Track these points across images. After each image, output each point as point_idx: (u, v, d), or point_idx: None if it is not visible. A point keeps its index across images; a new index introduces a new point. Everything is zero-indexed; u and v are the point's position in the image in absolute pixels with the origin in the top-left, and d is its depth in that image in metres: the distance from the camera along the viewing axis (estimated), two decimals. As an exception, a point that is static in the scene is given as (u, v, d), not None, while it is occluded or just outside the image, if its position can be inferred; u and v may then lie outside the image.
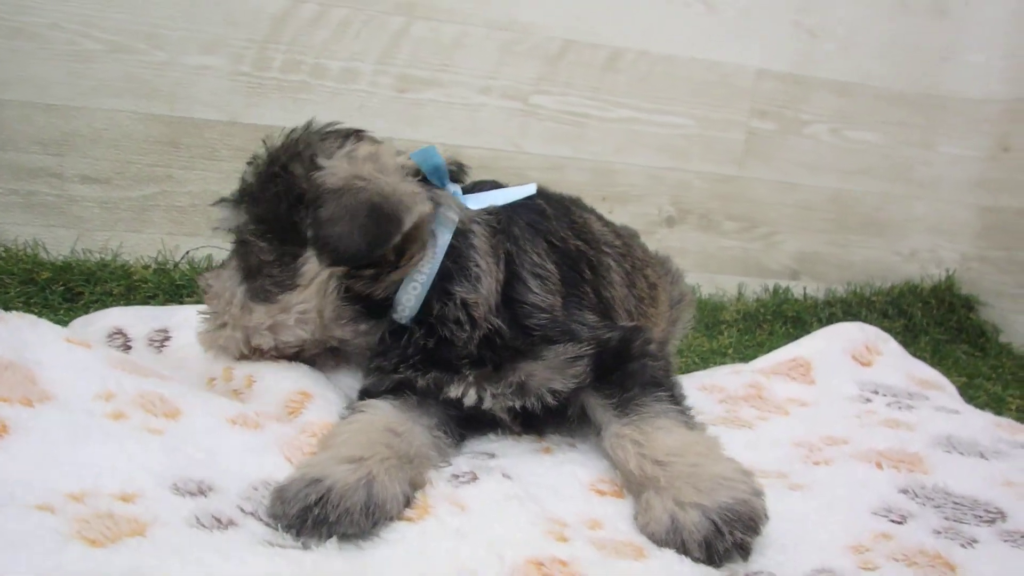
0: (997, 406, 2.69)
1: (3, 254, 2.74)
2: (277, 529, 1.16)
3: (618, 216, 3.40)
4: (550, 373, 1.56)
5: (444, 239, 1.55)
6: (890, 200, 3.75)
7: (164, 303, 2.64)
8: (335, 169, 1.49)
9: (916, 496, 1.48)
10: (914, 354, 3.17)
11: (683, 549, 1.20)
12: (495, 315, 1.56)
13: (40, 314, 1.90)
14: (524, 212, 1.69)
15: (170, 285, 2.80)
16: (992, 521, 1.39)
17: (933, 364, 3.15)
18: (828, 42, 3.51)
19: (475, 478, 1.40)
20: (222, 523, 1.14)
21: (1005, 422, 2.02)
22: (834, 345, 2.50)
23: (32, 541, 0.99)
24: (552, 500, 1.38)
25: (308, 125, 1.65)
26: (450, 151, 1.66)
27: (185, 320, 2.05)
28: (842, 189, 3.69)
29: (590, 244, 1.82)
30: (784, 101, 3.53)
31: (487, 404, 1.57)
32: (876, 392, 2.20)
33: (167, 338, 1.99)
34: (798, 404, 2.14)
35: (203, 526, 1.12)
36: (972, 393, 2.79)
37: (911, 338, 3.53)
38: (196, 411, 1.49)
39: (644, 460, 1.36)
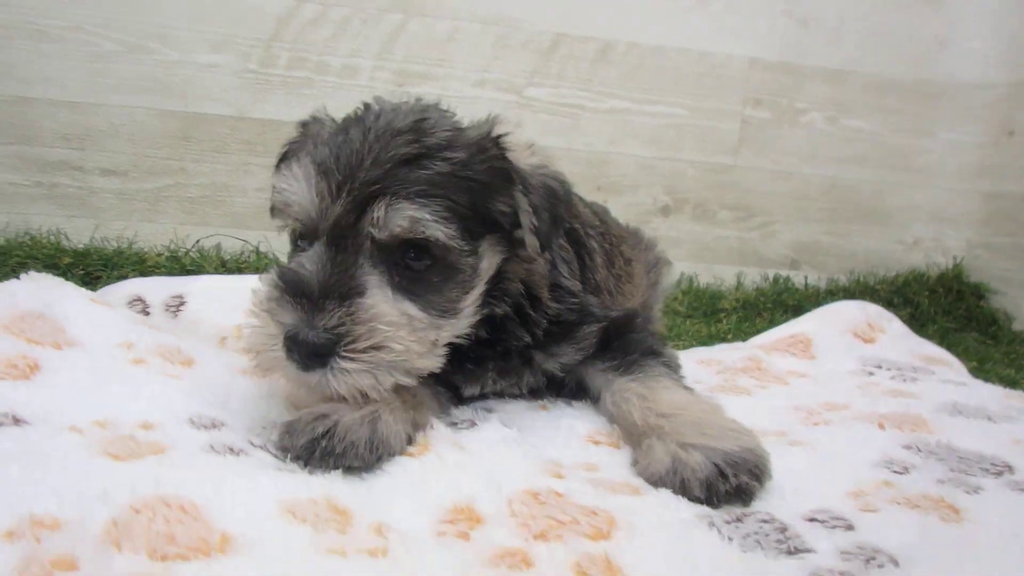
0: (1010, 388, 2.65)
1: (28, 241, 2.94)
2: (285, 460, 1.20)
3: (613, 206, 3.46)
4: (572, 351, 1.59)
5: None
6: (889, 188, 3.74)
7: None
8: (523, 157, 1.45)
9: (919, 451, 1.43)
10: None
11: (683, 489, 1.20)
12: (553, 300, 1.56)
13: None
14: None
15: (181, 271, 2.96)
16: (999, 474, 1.34)
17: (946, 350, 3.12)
18: (819, 31, 3.55)
19: (474, 424, 1.44)
20: (234, 451, 1.19)
21: (1016, 393, 1.97)
22: (834, 322, 2.49)
23: (63, 455, 1.08)
24: (549, 447, 1.41)
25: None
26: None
27: (198, 288, 2.19)
28: (839, 178, 3.70)
29: (584, 227, 1.83)
30: (777, 90, 3.57)
31: (496, 389, 1.60)
32: (879, 367, 2.18)
33: (182, 303, 2.10)
34: (797, 376, 2.15)
35: (217, 452, 1.18)
36: (983, 377, 2.72)
37: (918, 327, 3.46)
38: (209, 361, 1.60)
39: (648, 412, 1.39)
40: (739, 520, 1.13)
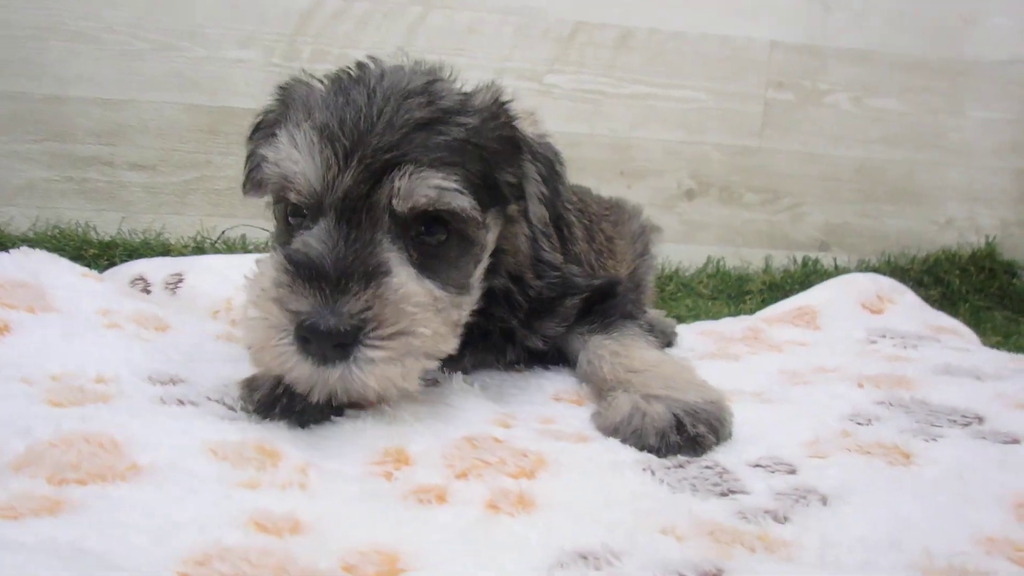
0: None
1: (57, 234, 3.00)
2: (249, 415, 1.18)
3: (637, 191, 3.47)
4: (554, 325, 1.56)
5: None
6: (920, 168, 3.67)
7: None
8: (528, 125, 1.40)
9: (891, 406, 1.39)
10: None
11: (638, 437, 1.17)
12: (534, 277, 1.52)
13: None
14: None
15: (205, 261, 3.00)
16: (967, 424, 1.30)
17: (975, 329, 3.03)
18: (842, 12, 3.53)
19: (436, 383, 1.42)
20: (184, 403, 1.19)
21: (1020, 357, 1.88)
22: (844, 294, 2.44)
23: (5, 401, 1.10)
24: (508, 402, 1.39)
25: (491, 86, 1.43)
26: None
27: (197, 266, 2.27)
28: (868, 158, 3.64)
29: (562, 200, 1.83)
30: (801, 72, 3.55)
31: (474, 363, 1.56)
32: (884, 336, 2.11)
33: (180, 280, 2.17)
34: (796, 344, 2.10)
35: (164, 403, 1.18)
36: (1003, 349, 2.65)
37: (949, 305, 3.39)
38: (185, 328, 1.63)
39: (619, 367, 1.37)
40: (681, 467, 1.10)
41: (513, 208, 1.42)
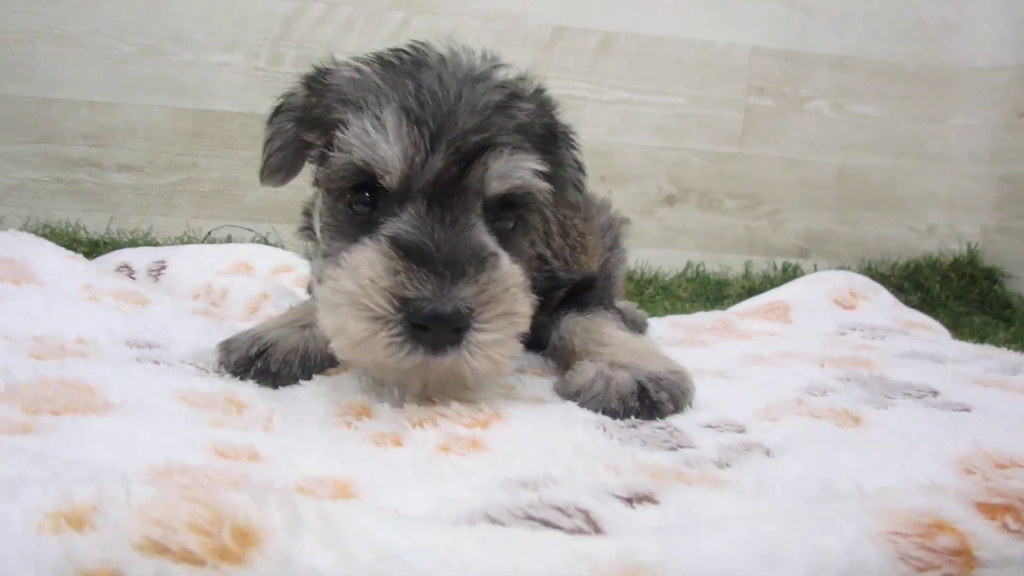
0: None
1: (47, 233, 3.07)
2: (221, 374, 1.22)
3: (618, 196, 3.49)
4: (543, 316, 1.56)
5: None
6: (901, 175, 3.68)
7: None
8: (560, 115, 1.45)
9: (849, 381, 1.41)
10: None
11: (600, 400, 1.19)
12: (535, 270, 1.52)
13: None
14: None
15: (191, 261, 3.07)
16: (921, 397, 1.31)
17: (953, 332, 3.05)
18: (823, 18, 3.54)
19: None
20: (159, 363, 1.25)
21: (987, 347, 1.92)
22: (817, 290, 2.47)
23: None
24: None
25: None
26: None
27: (178, 254, 2.34)
28: (849, 165, 3.65)
29: None
30: (781, 78, 3.57)
31: None
32: (854, 329, 2.14)
33: (163, 267, 2.24)
34: (765, 335, 2.12)
35: (140, 361, 1.24)
36: None
37: (928, 310, 3.39)
38: (164, 303, 1.68)
39: (588, 341, 1.39)
40: (634, 427, 1.12)
41: None
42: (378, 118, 1.13)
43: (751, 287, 3.44)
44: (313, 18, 3.28)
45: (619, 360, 1.27)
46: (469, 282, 1.05)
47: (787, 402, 1.24)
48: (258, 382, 1.21)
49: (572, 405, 1.21)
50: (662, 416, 1.17)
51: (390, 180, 1.14)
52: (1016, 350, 2.76)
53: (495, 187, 1.16)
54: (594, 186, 3.46)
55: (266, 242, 3.25)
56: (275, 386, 1.21)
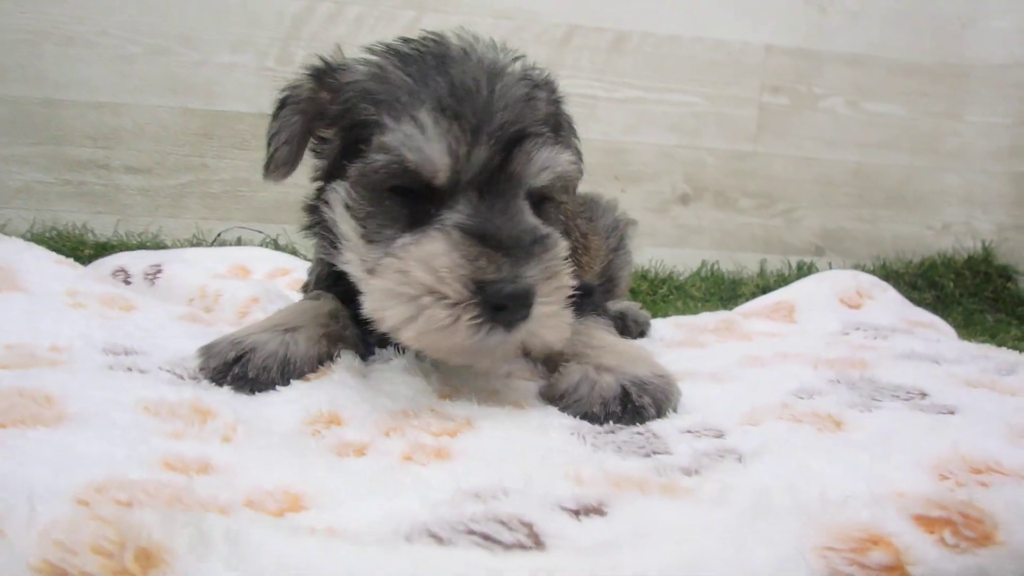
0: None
1: (55, 235, 3.03)
2: (199, 381, 1.20)
3: (631, 195, 3.47)
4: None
5: None
6: (917, 173, 3.65)
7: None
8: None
9: (839, 383, 1.38)
10: (947, 324, 3.06)
11: (582, 404, 1.19)
12: None
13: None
14: None
15: (201, 264, 3.03)
16: (909, 399, 1.29)
17: (964, 331, 3.03)
18: (838, 15, 3.51)
19: (389, 360, 1.42)
20: (132, 370, 1.21)
21: (986, 346, 1.88)
22: (823, 289, 2.43)
23: None
24: (457, 378, 1.38)
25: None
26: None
27: (174, 257, 2.32)
28: (864, 163, 3.62)
29: None
30: (796, 76, 3.53)
31: None
32: (858, 328, 2.11)
33: (159, 271, 2.20)
34: (767, 335, 2.10)
35: (112, 369, 1.20)
36: None
37: (942, 308, 3.38)
38: (150, 308, 1.65)
39: (577, 343, 1.37)
40: (612, 432, 1.11)
41: None
42: (417, 119, 1.15)
43: (766, 286, 3.41)
44: (323, 17, 3.24)
45: (605, 363, 1.25)
46: (536, 261, 1.12)
47: (772, 406, 1.23)
48: (235, 388, 1.18)
49: (552, 410, 1.20)
50: (643, 421, 1.16)
51: (440, 178, 1.16)
52: None
53: (540, 177, 1.21)
54: (607, 185, 3.44)
55: (276, 244, 3.21)
56: (252, 392, 1.18)
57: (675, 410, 1.22)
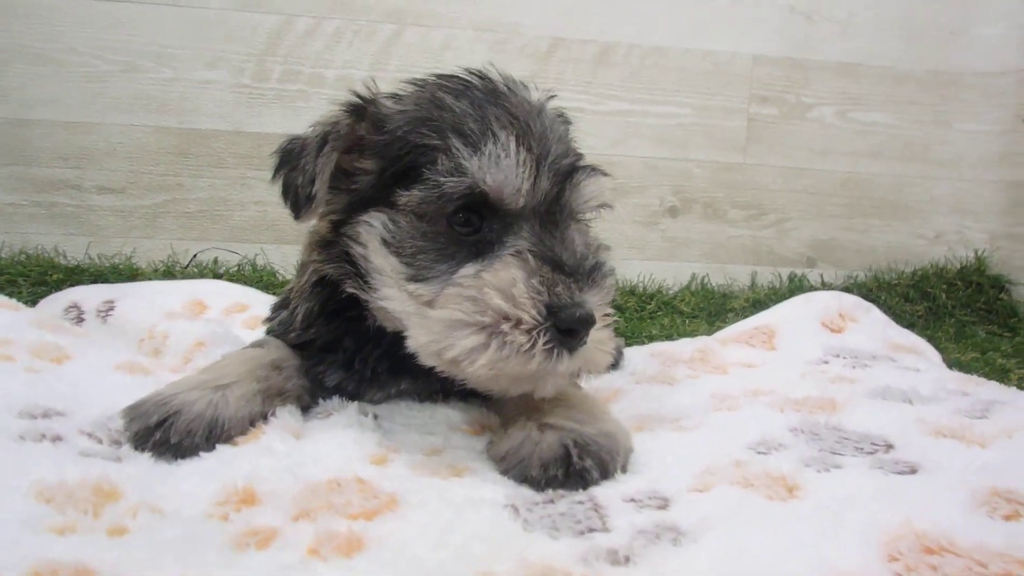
0: (999, 377, 2.47)
1: (23, 259, 2.93)
2: (119, 448, 1.15)
3: (619, 208, 3.39)
4: None
5: None
6: (908, 182, 3.60)
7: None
8: None
9: (802, 432, 1.33)
10: (938, 337, 3.00)
11: (521, 469, 1.13)
12: None
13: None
14: None
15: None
16: (873, 452, 1.24)
17: (955, 344, 2.97)
18: (826, 25, 3.46)
19: (329, 415, 1.35)
20: (47, 438, 1.15)
21: (966, 377, 1.85)
22: (804, 312, 2.37)
23: None
24: (403, 432, 1.32)
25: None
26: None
27: (128, 292, 2.24)
28: (854, 172, 3.57)
29: None
30: (784, 86, 3.48)
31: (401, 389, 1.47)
32: (838, 356, 2.04)
33: (112, 308, 2.13)
34: (743, 366, 2.03)
35: (22, 439, 1.13)
36: (975, 366, 2.58)
37: (934, 320, 3.33)
38: (87, 358, 1.57)
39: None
40: (552, 501, 1.04)
41: None
42: (497, 142, 1.18)
43: (756, 299, 3.34)
44: (300, 32, 3.16)
45: (550, 420, 1.20)
46: (598, 287, 1.17)
47: (727, 463, 1.17)
48: (156, 455, 1.13)
49: (488, 477, 1.14)
50: (586, 486, 1.10)
51: (518, 202, 1.20)
52: (1017, 364, 2.71)
53: (588, 204, 1.29)
54: (594, 199, 3.37)
55: (253, 265, 3.11)
56: (175, 458, 1.13)
57: (624, 470, 1.17)
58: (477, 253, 1.19)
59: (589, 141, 3.47)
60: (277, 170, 1.33)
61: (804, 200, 3.55)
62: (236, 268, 3.10)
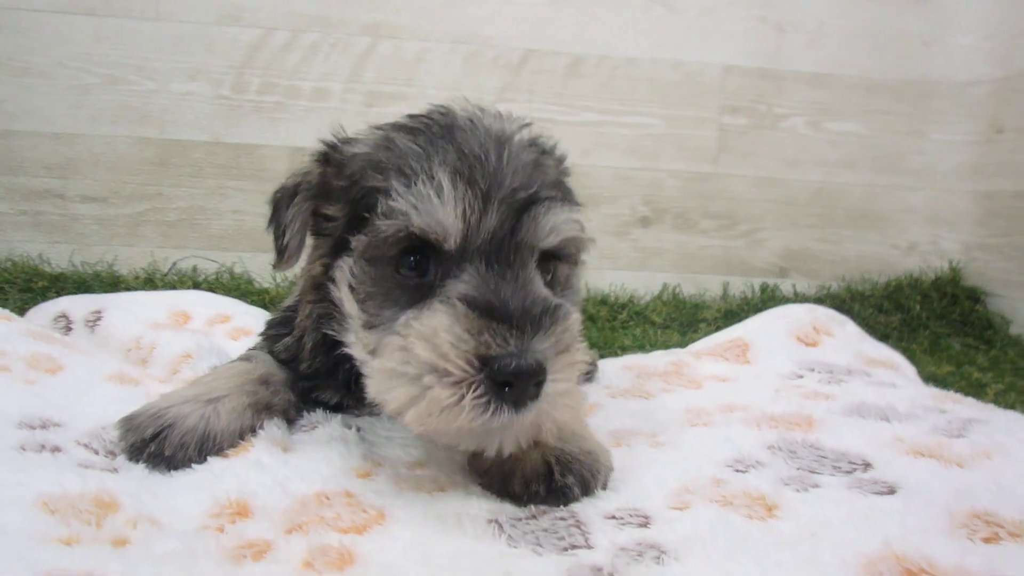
0: (976, 392, 2.49)
1: (9, 267, 3.04)
2: (114, 459, 1.19)
3: (590, 218, 3.41)
4: None
5: None
6: (881, 192, 3.62)
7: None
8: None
9: (780, 450, 1.33)
10: (912, 349, 3.01)
11: (504, 484, 1.15)
12: None
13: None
14: None
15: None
16: (851, 471, 1.25)
17: (930, 357, 2.99)
18: (797, 35, 3.49)
19: (315, 427, 1.40)
20: (47, 448, 1.18)
21: (942, 394, 1.83)
22: (777, 326, 2.38)
23: None
24: (385, 446, 1.36)
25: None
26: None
27: (116, 302, 2.30)
28: (827, 182, 3.59)
29: None
30: (755, 96, 3.51)
31: None
32: (812, 370, 2.04)
33: (99, 318, 2.19)
34: (717, 380, 2.04)
35: (24, 450, 1.17)
36: (951, 381, 2.59)
37: (909, 332, 3.34)
38: (78, 368, 1.62)
39: None
40: (534, 517, 1.07)
41: None
42: (430, 182, 1.13)
43: (728, 309, 3.38)
44: (278, 45, 3.25)
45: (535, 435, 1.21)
46: (546, 334, 1.05)
47: (705, 482, 1.19)
48: (149, 467, 1.17)
49: (472, 491, 1.17)
50: (567, 503, 1.12)
51: (451, 243, 1.13)
52: (993, 377, 2.72)
53: (549, 240, 1.18)
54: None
55: (231, 272, 3.21)
56: (168, 469, 1.17)
57: (604, 487, 1.18)
58: (420, 298, 1.13)
59: (560, 151, 3.53)
60: (269, 221, 1.36)
61: (776, 210, 3.58)
62: (215, 276, 3.19)
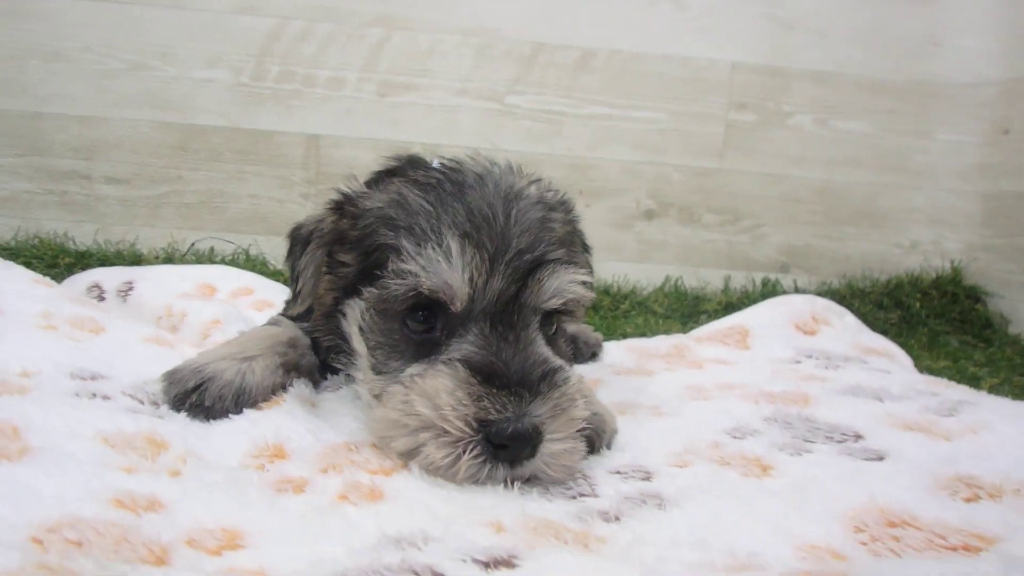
0: (971, 385, 2.52)
1: (37, 243, 3.18)
2: (158, 408, 1.27)
3: (596, 210, 3.53)
4: None
5: None
6: (885, 190, 3.65)
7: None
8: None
9: (775, 421, 1.40)
10: (910, 345, 3.05)
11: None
12: None
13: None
14: None
15: (174, 271, 3.15)
16: (843, 441, 1.31)
17: (927, 353, 3.03)
18: (804, 33, 3.52)
19: (339, 388, 1.50)
20: (97, 396, 1.28)
21: (936, 380, 1.89)
22: (777, 314, 2.45)
23: None
24: None
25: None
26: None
27: (147, 274, 2.41)
28: (831, 180, 3.63)
29: None
30: (763, 93, 3.55)
31: None
32: (810, 356, 2.12)
33: (131, 288, 2.30)
34: (717, 363, 2.12)
35: (78, 396, 1.27)
36: (947, 374, 2.64)
37: (907, 328, 3.39)
38: (118, 330, 1.72)
39: None
40: None
41: None
42: (439, 245, 1.19)
43: (729, 302, 3.44)
44: (294, 35, 3.35)
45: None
46: (543, 399, 1.11)
47: (704, 445, 1.27)
48: (191, 416, 1.27)
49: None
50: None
51: (457, 304, 1.19)
52: (989, 372, 2.77)
53: (552, 303, 1.23)
54: (572, 200, 3.49)
55: (247, 254, 3.33)
56: (207, 419, 1.27)
57: (609, 447, 1.27)
58: (426, 353, 1.20)
59: (568, 144, 3.64)
60: (287, 257, 1.46)
61: (780, 206, 3.63)
62: (231, 257, 3.31)
